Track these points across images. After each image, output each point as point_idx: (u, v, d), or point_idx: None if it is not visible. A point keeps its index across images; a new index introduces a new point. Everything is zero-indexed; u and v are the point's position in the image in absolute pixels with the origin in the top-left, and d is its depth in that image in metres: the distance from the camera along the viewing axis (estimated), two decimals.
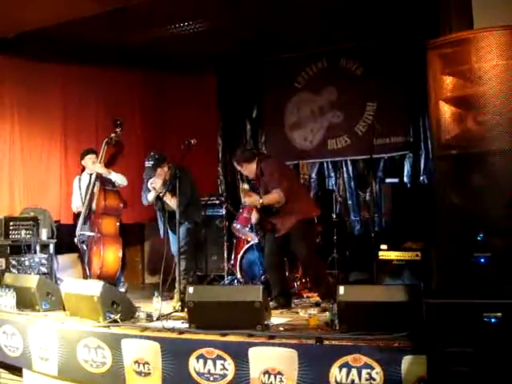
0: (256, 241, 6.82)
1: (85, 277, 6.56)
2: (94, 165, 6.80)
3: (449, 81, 3.27)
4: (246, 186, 5.63)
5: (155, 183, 5.87)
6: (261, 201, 5.51)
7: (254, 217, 5.91)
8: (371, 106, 7.89)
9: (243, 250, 6.85)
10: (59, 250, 6.93)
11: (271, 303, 5.39)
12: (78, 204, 6.87)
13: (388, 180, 7.50)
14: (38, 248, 6.59)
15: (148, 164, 5.86)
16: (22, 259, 6.42)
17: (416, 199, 6.86)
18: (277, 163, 5.91)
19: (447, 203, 3.27)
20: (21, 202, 7.02)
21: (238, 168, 5.89)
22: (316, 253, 5.70)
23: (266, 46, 8.00)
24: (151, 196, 6.01)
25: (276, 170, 5.66)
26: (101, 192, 6.58)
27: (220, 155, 9.02)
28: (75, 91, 7.56)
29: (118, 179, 6.82)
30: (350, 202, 8.00)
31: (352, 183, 8.02)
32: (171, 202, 5.85)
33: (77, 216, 6.86)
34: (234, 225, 7.02)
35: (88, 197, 6.64)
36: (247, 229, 6.91)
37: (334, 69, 8.17)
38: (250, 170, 5.77)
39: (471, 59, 3.18)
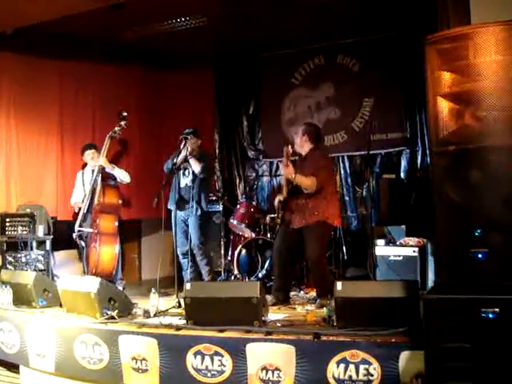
0: (253, 237, 6.83)
1: (84, 273, 6.54)
2: (93, 160, 6.77)
3: (447, 76, 3.26)
4: (290, 149, 5.55)
5: (190, 145, 6.28)
6: (294, 176, 5.42)
7: (278, 198, 5.80)
8: (368, 102, 7.88)
9: (240, 246, 6.86)
10: (56, 246, 6.92)
11: (269, 298, 5.41)
12: (78, 199, 6.83)
13: (385, 176, 7.50)
14: (34, 244, 6.58)
15: (188, 130, 6.36)
16: (19, 256, 6.42)
17: (413, 194, 6.88)
18: (327, 159, 5.88)
19: (445, 199, 3.27)
20: (17, 199, 6.99)
21: (299, 134, 5.76)
22: (325, 257, 5.68)
23: (263, 42, 7.97)
24: (179, 158, 6.22)
25: (322, 162, 5.61)
26: (102, 188, 6.54)
27: (217, 151, 9.00)
28: (72, 87, 7.53)
29: (122, 175, 6.79)
30: (346, 198, 7.99)
31: (349, 179, 8.01)
32: (195, 165, 6.34)
33: (74, 212, 6.82)
34: (231, 221, 7.04)
35: (89, 192, 6.61)
36: (244, 225, 6.93)
37: (331, 65, 8.15)
38: (305, 145, 5.70)
39: (469, 55, 3.17)
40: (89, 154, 6.82)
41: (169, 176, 6.16)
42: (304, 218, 5.50)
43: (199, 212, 6.31)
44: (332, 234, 6.48)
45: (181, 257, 6.28)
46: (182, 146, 6.21)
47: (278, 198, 5.75)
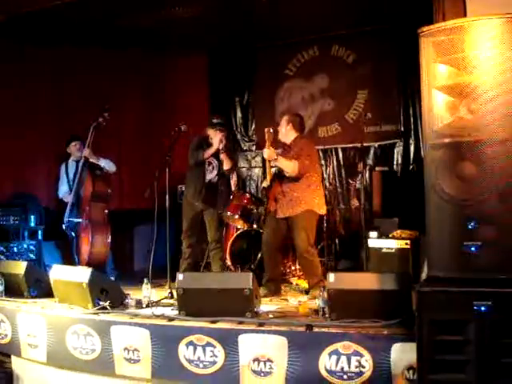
0: (246, 228, 6.83)
1: (72, 264, 6.50)
2: (78, 152, 6.74)
3: (442, 69, 3.26)
4: (271, 130, 5.52)
5: (224, 139, 6.04)
6: (277, 157, 5.42)
7: (262, 185, 5.82)
8: (362, 94, 7.87)
9: (233, 237, 6.85)
10: (48, 236, 6.89)
11: (261, 289, 5.40)
12: (64, 191, 6.79)
13: (378, 168, 7.50)
14: (26, 234, 6.55)
15: (220, 120, 6.20)
16: (10, 245, 6.39)
17: (406, 187, 6.89)
18: (311, 146, 5.82)
19: (438, 191, 3.27)
20: (8, 188, 6.95)
21: (282, 123, 5.74)
22: (314, 246, 5.69)
23: (258, 33, 7.94)
24: (210, 151, 6.05)
25: (306, 149, 5.58)
26: (89, 178, 6.49)
27: None
28: (62, 75, 7.48)
29: (107, 165, 6.74)
30: (339, 190, 8.00)
31: (342, 171, 8.01)
32: (227, 161, 6.08)
33: (63, 203, 6.79)
34: (224, 212, 7.01)
35: (76, 183, 6.57)
36: (237, 216, 6.91)
37: (325, 56, 8.13)
38: (289, 134, 5.69)
39: (465, 47, 3.18)
40: (75, 146, 6.77)
41: (165, 165, 5.76)
42: (290, 208, 5.52)
43: (221, 209, 6.34)
44: (322, 224, 6.48)
45: (186, 245, 6.23)
46: (218, 139, 6.01)
47: (263, 186, 5.77)
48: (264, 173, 6.09)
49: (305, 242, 5.46)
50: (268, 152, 5.48)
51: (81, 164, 6.57)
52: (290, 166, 5.45)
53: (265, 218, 6.19)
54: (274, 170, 5.75)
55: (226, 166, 6.10)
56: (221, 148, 6.02)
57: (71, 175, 6.74)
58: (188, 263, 6.18)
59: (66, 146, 6.86)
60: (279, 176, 5.66)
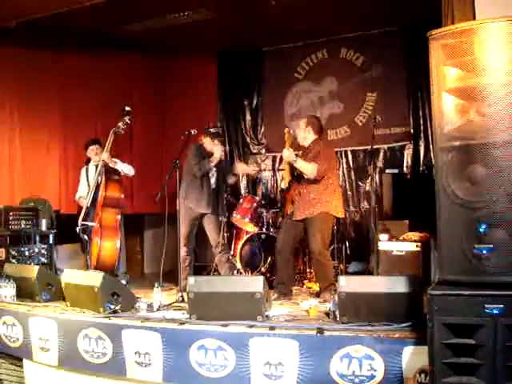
0: (256, 231, 6.84)
1: (87, 267, 6.53)
2: (96, 156, 6.76)
3: (452, 72, 3.25)
4: (291, 131, 5.52)
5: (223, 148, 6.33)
6: (296, 159, 5.42)
7: (280, 187, 5.80)
8: (371, 97, 7.87)
9: (243, 240, 6.86)
10: (59, 240, 6.92)
11: (272, 292, 5.46)
12: (82, 194, 6.81)
13: (388, 170, 7.49)
14: (37, 238, 6.58)
15: (217, 130, 6.47)
16: (22, 250, 6.42)
17: (416, 189, 6.87)
18: (330, 149, 5.88)
19: (449, 194, 3.26)
20: (20, 192, 6.99)
21: (300, 126, 5.72)
22: (328, 250, 5.67)
23: (267, 36, 7.96)
24: (215, 162, 6.18)
25: (325, 152, 5.59)
26: (105, 183, 6.53)
27: None
28: (74, 81, 7.52)
29: (126, 169, 6.75)
30: (349, 193, 7.99)
31: (352, 174, 8.01)
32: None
33: (79, 206, 6.82)
34: (234, 215, 7.03)
35: (93, 187, 6.59)
36: (247, 219, 6.92)
37: (334, 59, 8.14)
38: (308, 137, 5.66)
39: (474, 50, 3.16)
40: (93, 150, 6.79)
41: (174, 169, 5.76)
42: (307, 209, 5.50)
43: (223, 217, 6.36)
44: (335, 227, 6.46)
45: (186, 253, 6.22)
46: (220, 149, 6.19)
47: (281, 187, 5.74)
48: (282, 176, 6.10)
49: (320, 245, 5.46)
50: (287, 153, 5.47)
51: (99, 168, 6.58)
52: (308, 169, 5.44)
53: (282, 220, 6.17)
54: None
55: (232, 179, 6.52)
56: (223, 158, 6.21)
57: (91, 179, 6.76)
58: (187, 271, 6.17)
59: (85, 150, 6.88)
60: (297, 178, 5.65)
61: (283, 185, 5.76)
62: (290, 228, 5.67)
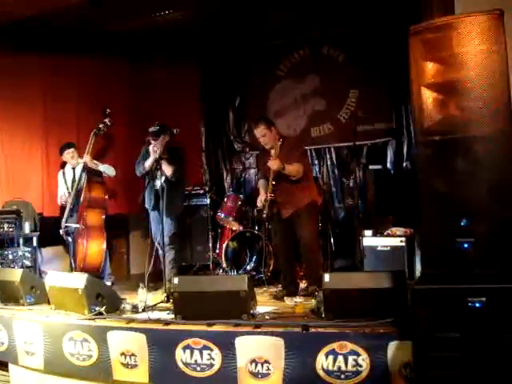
0: (241, 230, 6.83)
1: (71, 269, 6.50)
2: (73, 159, 6.74)
3: (431, 67, 3.27)
4: (280, 140, 5.41)
5: (157, 148, 5.91)
6: (284, 167, 5.32)
7: (263, 198, 5.59)
8: (354, 93, 7.89)
9: (228, 239, 6.85)
10: (43, 242, 6.88)
11: (280, 291, 5.53)
12: (63, 197, 6.79)
13: (371, 167, 7.51)
14: (21, 241, 6.53)
15: (154, 129, 6.00)
16: (5, 253, 6.38)
17: (400, 185, 6.90)
18: (299, 143, 5.88)
19: (430, 189, 3.28)
20: (2, 196, 6.93)
21: (262, 133, 5.56)
22: (318, 241, 5.67)
23: (249, 35, 7.95)
24: (149, 162, 6.02)
25: (297, 148, 5.62)
26: (87, 184, 6.51)
27: (203, 144, 9.00)
28: (56, 82, 7.44)
29: (107, 170, 6.75)
30: (334, 190, 8.01)
31: (336, 170, 8.03)
32: (166, 168, 5.97)
33: (61, 208, 6.79)
34: (219, 214, 7.03)
35: (75, 189, 6.57)
36: (231, 218, 6.92)
37: (316, 56, 8.14)
38: (272, 137, 5.55)
39: (453, 45, 3.19)
40: (68, 153, 6.76)
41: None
42: (295, 204, 5.49)
43: (173, 215, 6.15)
44: (320, 224, 6.46)
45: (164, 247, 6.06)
46: (150, 148, 5.97)
47: (264, 198, 5.62)
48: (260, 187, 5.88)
49: (311, 234, 5.50)
50: (276, 162, 5.34)
51: (79, 170, 6.57)
52: (295, 170, 5.41)
53: (268, 222, 6.14)
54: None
55: (167, 172, 5.99)
56: (157, 156, 5.89)
57: (69, 182, 6.76)
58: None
59: (61, 154, 6.85)
60: (278, 182, 5.60)
61: (268, 196, 5.57)
62: (282, 228, 5.66)
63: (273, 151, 5.43)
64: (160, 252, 5.89)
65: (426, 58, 3.30)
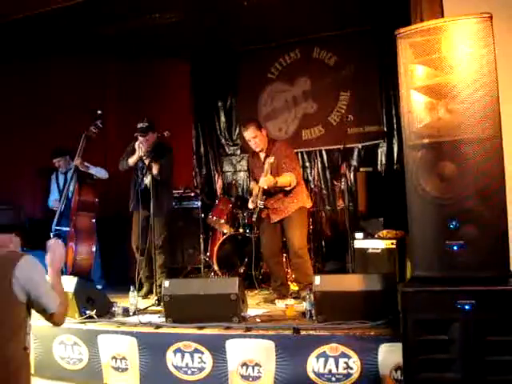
0: (232, 232, 6.83)
1: (61, 273, 6.45)
2: (60, 168, 6.80)
3: (419, 70, 3.28)
4: (271, 160, 5.30)
5: (143, 144, 5.80)
6: (276, 182, 5.27)
7: (261, 201, 5.51)
8: (345, 96, 7.90)
9: (220, 241, 6.84)
10: (33, 246, 6.83)
11: (271, 293, 5.57)
12: (54, 200, 6.78)
13: (362, 169, 7.52)
14: None
15: (142, 125, 5.90)
16: None
17: (390, 187, 6.90)
18: (290, 148, 5.79)
19: (419, 191, 3.30)
20: None
21: (252, 135, 5.51)
22: (306, 246, 5.67)
23: (240, 37, 7.95)
24: (133, 159, 5.91)
25: (290, 153, 5.59)
26: (77, 187, 6.48)
27: (194, 147, 8.99)
28: (46, 85, 7.42)
29: (98, 173, 6.73)
30: (324, 192, 8.02)
31: (326, 173, 8.04)
32: (154, 166, 5.79)
33: (50, 212, 6.76)
34: (210, 217, 7.02)
35: (66, 192, 6.54)
36: (223, 220, 6.91)
37: (307, 59, 8.15)
38: (262, 140, 5.54)
39: (442, 48, 3.20)
40: (55, 162, 6.82)
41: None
42: (285, 209, 5.49)
43: (161, 216, 5.99)
44: (308, 226, 6.44)
45: (137, 254, 5.97)
46: (136, 145, 5.82)
47: (253, 206, 5.62)
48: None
49: (301, 240, 5.47)
50: (267, 180, 5.28)
51: (71, 173, 6.54)
52: (288, 181, 5.38)
53: (257, 227, 6.13)
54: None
55: (153, 171, 5.77)
56: (142, 154, 5.79)
57: (61, 184, 6.74)
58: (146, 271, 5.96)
59: (50, 159, 6.84)
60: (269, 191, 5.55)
61: (260, 204, 5.54)
62: (272, 231, 5.64)
63: (267, 172, 5.31)
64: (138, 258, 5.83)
65: (415, 61, 3.31)
